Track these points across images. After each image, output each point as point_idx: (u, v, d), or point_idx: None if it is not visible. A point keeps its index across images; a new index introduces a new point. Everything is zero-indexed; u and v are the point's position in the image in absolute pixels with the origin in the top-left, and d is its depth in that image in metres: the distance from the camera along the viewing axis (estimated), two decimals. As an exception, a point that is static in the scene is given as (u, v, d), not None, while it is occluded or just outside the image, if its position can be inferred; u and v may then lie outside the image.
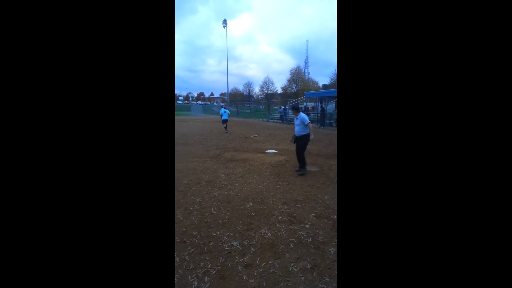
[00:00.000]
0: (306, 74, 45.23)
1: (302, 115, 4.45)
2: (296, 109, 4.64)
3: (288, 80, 43.34)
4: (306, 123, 4.39)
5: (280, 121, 18.89)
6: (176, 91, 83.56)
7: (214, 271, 1.82)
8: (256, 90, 48.60)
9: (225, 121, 11.41)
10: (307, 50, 48.39)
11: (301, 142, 4.45)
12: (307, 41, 57.13)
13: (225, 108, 11.72)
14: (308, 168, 4.69)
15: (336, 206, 2.99)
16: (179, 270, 1.82)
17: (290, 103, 22.49)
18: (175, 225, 2.51)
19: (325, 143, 8.14)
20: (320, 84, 35.62)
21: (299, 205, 3.04)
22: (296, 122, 4.48)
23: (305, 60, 46.41)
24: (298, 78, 42.68)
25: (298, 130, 4.45)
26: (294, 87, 42.04)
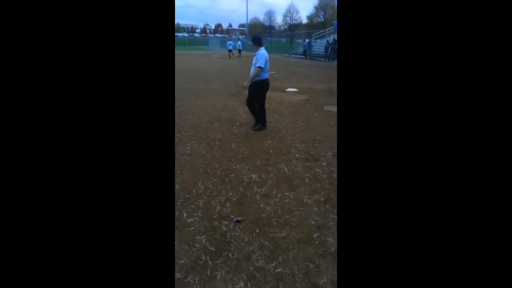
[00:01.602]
0: (335, 2, 39.15)
1: (260, 52, 3.14)
2: (256, 42, 3.26)
3: (315, 8, 38.12)
4: (256, 64, 3.10)
5: (304, 56, 17.44)
6: (193, 23, 77.80)
7: (235, 199, 2.02)
8: (279, 20, 43.85)
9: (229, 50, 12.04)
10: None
11: (253, 89, 3.31)
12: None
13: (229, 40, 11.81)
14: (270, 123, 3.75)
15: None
16: (203, 196, 2.05)
17: (315, 35, 20.30)
18: (199, 158, 2.70)
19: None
20: (353, 11, 30.95)
21: (316, 144, 3.08)
22: (253, 60, 3.23)
23: (337, -19, 39.42)
24: (327, 4, 37.19)
25: (258, 71, 3.19)
26: (321, 16, 37.17)
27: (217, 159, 2.69)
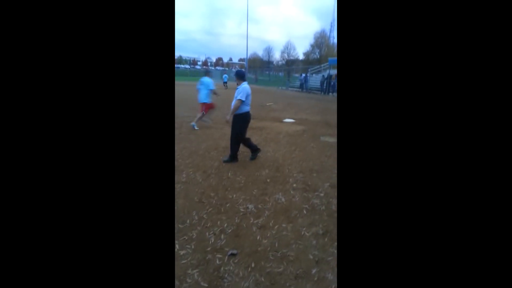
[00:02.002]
0: (331, 38, 41.99)
1: (243, 86, 3.17)
2: (239, 76, 3.33)
3: (312, 45, 40.70)
4: (237, 97, 3.12)
5: (300, 89, 18.21)
6: (195, 56, 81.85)
7: (230, 230, 1.94)
8: (277, 55, 46.47)
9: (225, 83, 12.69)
10: (334, 11, 44.18)
11: (234, 122, 3.29)
12: (335, 1, 51.96)
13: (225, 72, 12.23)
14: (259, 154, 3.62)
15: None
16: (197, 227, 1.96)
17: (311, 70, 21.42)
18: (194, 186, 2.65)
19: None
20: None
21: (314, 174, 3.06)
22: (235, 94, 3.21)
23: (331, 23, 42.70)
24: (322, 43, 39.85)
25: (242, 105, 3.20)
26: (317, 53, 39.57)
27: (213, 188, 2.64)
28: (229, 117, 3.26)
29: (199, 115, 5.30)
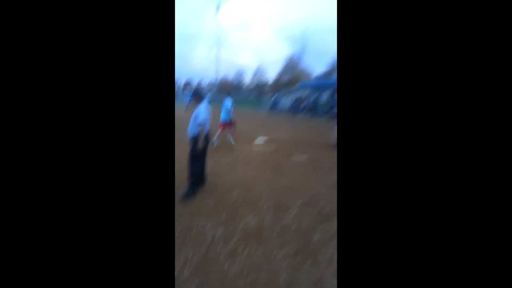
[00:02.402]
0: (301, 63, 44.89)
1: (200, 108, 2.79)
2: (196, 97, 2.91)
3: (282, 70, 42.98)
4: (197, 122, 2.71)
5: (272, 110, 18.77)
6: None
7: (196, 260, 1.77)
8: (248, 79, 48.05)
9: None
10: (303, 38, 47.79)
11: (192, 147, 2.85)
12: (303, 29, 56.43)
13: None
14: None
15: (322, 194, 2.99)
16: (158, 259, 1.77)
17: (282, 92, 22.36)
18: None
19: (315, 133, 8.15)
20: (315, 74, 35.48)
21: (285, 193, 3.02)
22: (192, 115, 2.80)
23: (301, 49, 45.93)
24: (292, 67, 42.34)
25: (190, 127, 2.80)
26: (287, 77, 41.76)
27: (178, 214, 2.45)
28: (201, 144, 2.80)
29: (220, 133, 5.75)
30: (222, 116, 5.72)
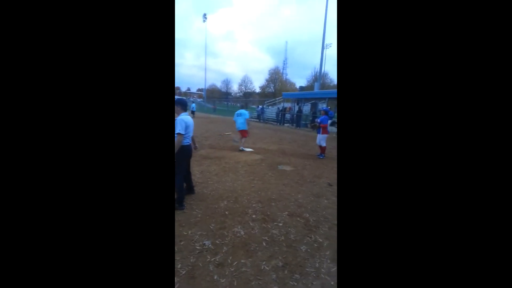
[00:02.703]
0: (284, 75, 45.96)
1: (180, 117, 2.69)
2: (179, 105, 2.82)
3: (267, 80, 43.74)
4: (176, 131, 2.60)
5: (258, 120, 18.95)
6: (151, 84, 79.29)
7: (184, 271, 1.76)
8: (235, 87, 48.35)
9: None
10: (286, 51, 49.16)
11: (177, 158, 2.68)
12: (286, 42, 58.08)
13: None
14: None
15: (308, 205, 3.07)
16: (146, 271, 1.73)
17: (267, 102, 22.68)
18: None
19: (300, 143, 8.33)
20: (297, 86, 36.43)
21: (273, 204, 3.07)
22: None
23: (284, 61, 47.15)
24: (276, 78, 43.19)
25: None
26: (272, 87, 42.49)
27: (166, 224, 2.42)
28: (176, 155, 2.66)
29: (242, 140, 6.61)
30: (243, 125, 6.54)
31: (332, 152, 6.74)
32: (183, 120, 2.68)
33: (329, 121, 6.21)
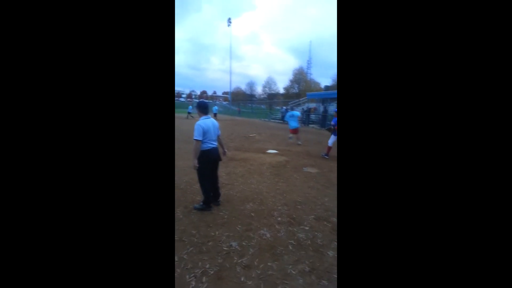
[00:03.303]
0: (309, 75, 45.17)
1: (200, 121, 2.68)
2: (199, 109, 2.80)
3: (291, 81, 43.35)
4: (194, 137, 2.63)
5: (282, 121, 18.85)
6: (179, 89, 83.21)
7: (212, 271, 1.82)
8: (259, 89, 48.63)
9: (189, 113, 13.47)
10: (310, 51, 48.29)
11: (200, 162, 2.71)
12: (310, 42, 57.03)
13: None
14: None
15: (335, 209, 2.98)
16: (177, 269, 1.82)
17: (291, 103, 22.47)
18: (175, 223, 2.51)
19: (325, 144, 8.12)
20: (322, 85, 35.55)
21: (299, 207, 3.04)
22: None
23: (308, 61, 46.37)
24: (300, 79, 42.62)
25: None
26: (296, 88, 42.01)
27: (194, 225, 2.52)
28: (194, 162, 2.69)
29: (295, 136, 8.08)
30: (295, 123, 7.97)
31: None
32: (200, 126, 2.63)
33: None
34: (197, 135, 2.62)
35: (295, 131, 8.03)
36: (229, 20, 34.24)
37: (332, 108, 16.75)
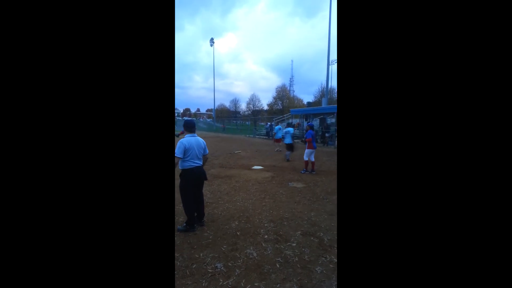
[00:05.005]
0: (291, 92, 46.66)
1: (181, 140, 2.68)
2: (185, 127, 2.80)
3: (274, 98, 44.37)
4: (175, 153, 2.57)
5: (266, 137, 19.03)
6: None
7: (197, 297, 1.72)
8: (243, 106, 49.22)
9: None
10: (292, 69, 50.45)
11: (181, 181, 2.75)
12: (292, 60, 59.60)
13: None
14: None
15: (322, 223, 2.98)
16: (158, 297, 1.70)
17: (276, 119, 22.86)
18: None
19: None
20: (305, 101, 36.77)
21: (285, 223, 3.00)
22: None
23: (290, 78, 48.19)
24: (283, 95, 43.80)
25: (181, 162, 2.68)
26: (279, 104, 42.99)
27: (177, 247, 2.40)
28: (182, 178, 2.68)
29: (287, 153, 8.18)
30: (289, 140, 8.24)
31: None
32: (182, 143, 2.62)
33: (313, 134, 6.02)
34: (177, 153, 2.59)
35: (290, 147, 8.25)
36: (211, 40, 35.07)
37: (315, 123, 17.22)
